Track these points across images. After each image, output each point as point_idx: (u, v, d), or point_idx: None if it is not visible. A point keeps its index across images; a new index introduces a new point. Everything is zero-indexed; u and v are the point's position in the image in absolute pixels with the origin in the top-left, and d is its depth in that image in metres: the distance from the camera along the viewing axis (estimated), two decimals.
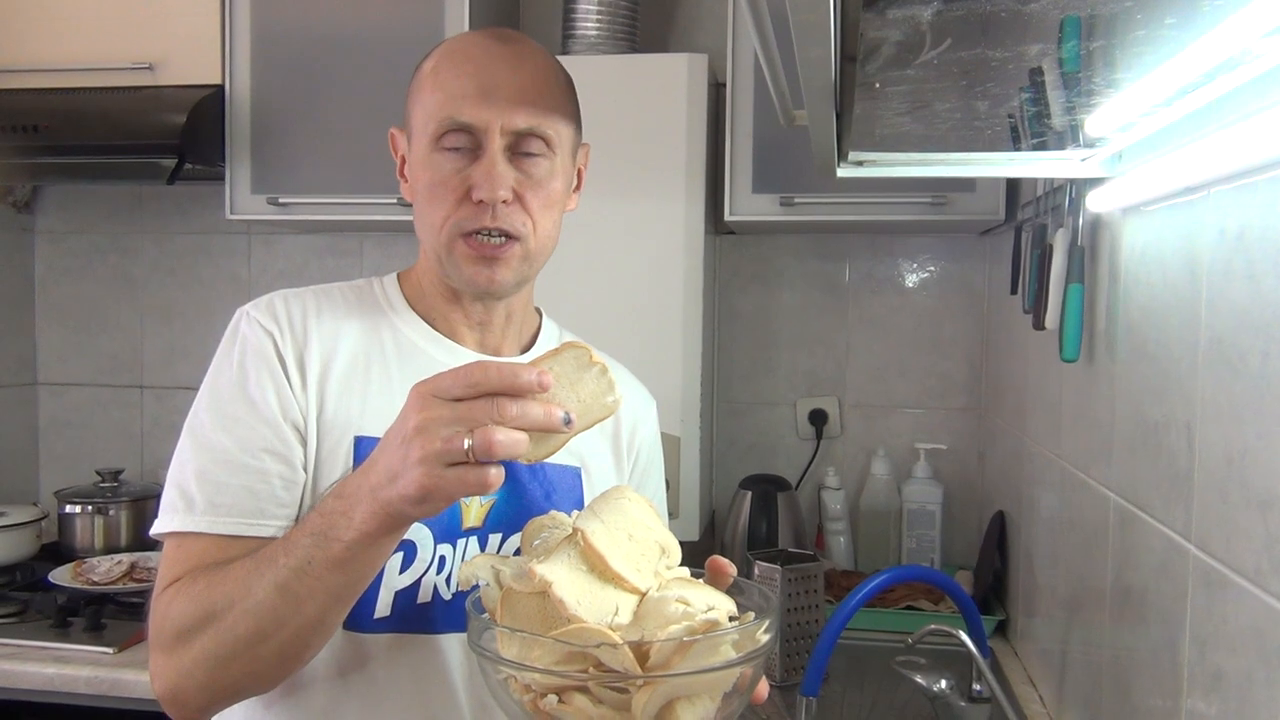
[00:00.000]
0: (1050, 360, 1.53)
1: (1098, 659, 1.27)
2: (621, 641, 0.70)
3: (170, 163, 1.96)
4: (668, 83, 1.91)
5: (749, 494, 2.11)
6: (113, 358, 2.53)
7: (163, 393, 2.51)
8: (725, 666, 0.73)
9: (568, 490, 1.06)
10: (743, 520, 2.09)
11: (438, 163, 0.98)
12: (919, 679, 1.45)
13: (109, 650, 1.71)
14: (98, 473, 2.23)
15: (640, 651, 0.71)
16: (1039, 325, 1.43)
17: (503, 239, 0.99)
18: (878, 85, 0.69)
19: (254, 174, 2.06)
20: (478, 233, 0.98)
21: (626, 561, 0.76)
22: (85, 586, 1.90)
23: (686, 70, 1.92)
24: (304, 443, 0.98)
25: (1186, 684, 0.94)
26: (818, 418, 2.29)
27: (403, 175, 1.07)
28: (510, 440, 0.74)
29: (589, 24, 2.01)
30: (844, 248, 2.30)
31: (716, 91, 2.06)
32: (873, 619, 1.90)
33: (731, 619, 0.76)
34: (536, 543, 0.83)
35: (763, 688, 0.83)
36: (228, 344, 1.01)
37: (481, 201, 0.97)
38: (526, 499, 1.03)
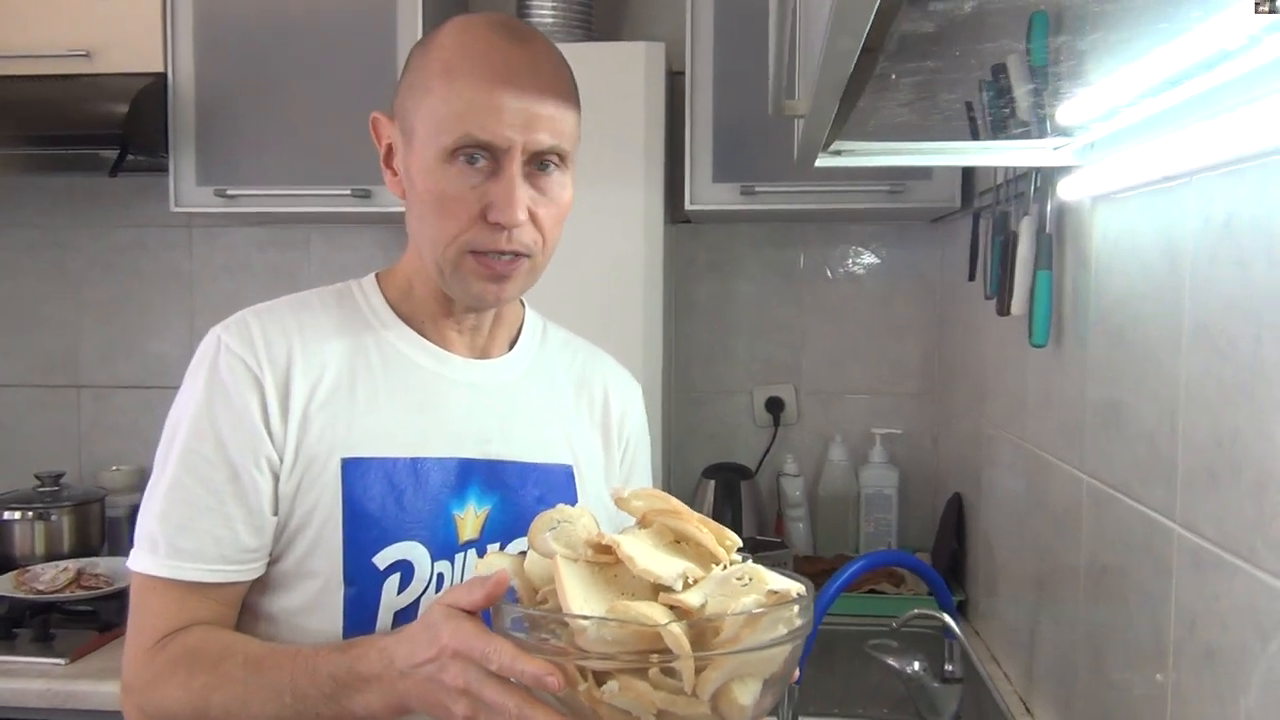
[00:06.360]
0: (1014, 345, 1.56)
1: (1071, 636, 1.31)
2: (678, 622, 0.68)
3: (112, 154, 1.89)
4: (625, 71, 1.90)
5: (712, 483, 2.11)
6: (48, 356, 2.43)
7: (101, 392, 2.41)
8: (776, 643, 0.71)
9: (561, 491, 1.03)
10: (707, 509, 2.09)
11: (449, 176, 0.92)
12: (892, 661, 1.48)
13: (61, 661, 1.64)
14: (37, 476, 2.14)
15: (706, 627, 0.69)
16: (1004, 311, 1.45)
17: (513, 257, 0.95)
18: (893, 77, 0.69)
19: (199, 165, 1.99)
20: (489, 252, 0.94)
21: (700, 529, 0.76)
22: (30, 596, 1.82)
23: (644, 59, 1.90)
24: (276, 480, 0.94)
25: (1173, 659, 0.97)
26: (774, 405, 2.31)
27: (389, 166, 1.00)
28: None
29: (545, 11, 1.99)
30: (798, 236, 2.32)
31: (672, 80, 2.05)
32: (840, 604, 1.91)
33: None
34: (549, 533, 0.80)
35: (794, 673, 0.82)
36: (199, 371, 0.96)
37: (497, 223, 0.93)
38: (520, 505, 1.00)
